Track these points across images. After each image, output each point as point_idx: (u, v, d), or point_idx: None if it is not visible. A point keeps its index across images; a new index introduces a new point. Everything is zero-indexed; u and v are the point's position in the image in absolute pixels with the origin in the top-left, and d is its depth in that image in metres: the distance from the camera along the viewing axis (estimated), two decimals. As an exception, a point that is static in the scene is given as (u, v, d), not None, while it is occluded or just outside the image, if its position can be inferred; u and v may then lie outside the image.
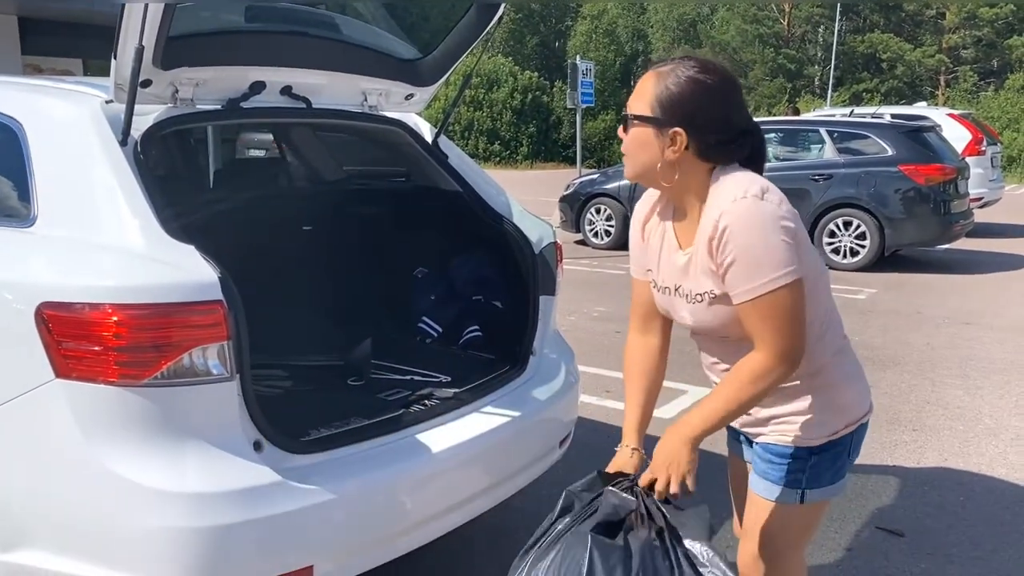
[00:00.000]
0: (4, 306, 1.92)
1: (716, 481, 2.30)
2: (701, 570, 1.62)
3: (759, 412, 1.82)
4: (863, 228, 8.92)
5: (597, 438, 4.10)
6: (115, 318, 1.81)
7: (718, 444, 2.09)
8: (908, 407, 4.72)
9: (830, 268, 8.90)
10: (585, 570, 1.60)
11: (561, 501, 1.76)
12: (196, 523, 1.84)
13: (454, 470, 2.38)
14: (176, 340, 1.85)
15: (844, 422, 1.82)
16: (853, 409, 1.84)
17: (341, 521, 2.05)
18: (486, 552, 2.93)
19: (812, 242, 7.80)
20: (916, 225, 8.91)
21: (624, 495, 1.74)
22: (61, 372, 1.84)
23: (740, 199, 1.61)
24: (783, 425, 1.81)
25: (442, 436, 2.38)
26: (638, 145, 1.70)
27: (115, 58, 1.97)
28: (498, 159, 31.14)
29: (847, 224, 9.00)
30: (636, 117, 1.69)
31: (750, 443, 1.93)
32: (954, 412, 4.64)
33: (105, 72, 2.02)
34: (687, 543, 1.65)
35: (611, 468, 1.79)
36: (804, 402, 1.79)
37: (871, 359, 5.70)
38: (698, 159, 1.68)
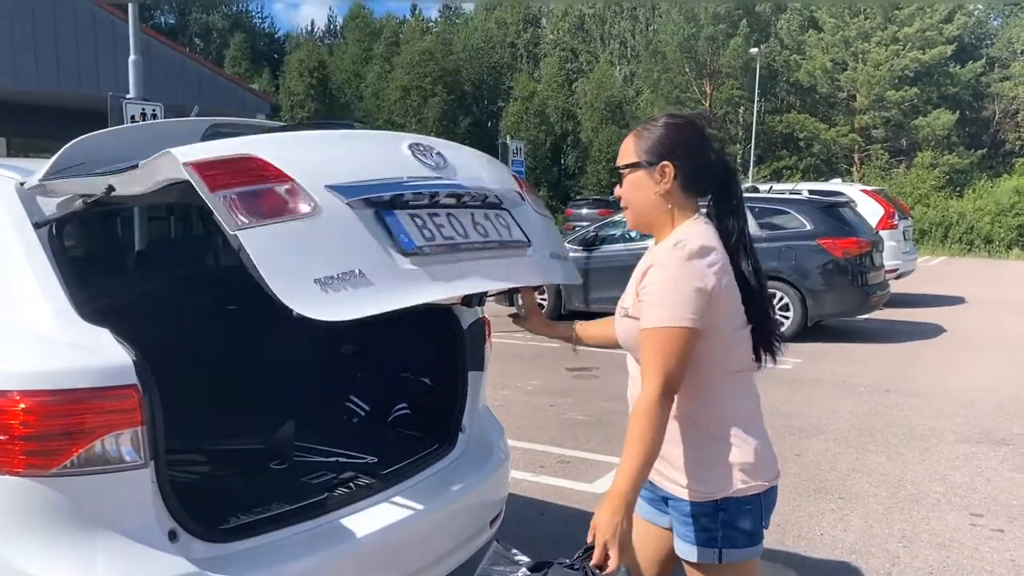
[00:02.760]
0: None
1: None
2: None
3: (668, 464, 1.93)
4: (786, 300, 9.20)
5: (530, 514, 4.06)
6: (23, 405, 1.75)
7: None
8: (834, 475, 4.81)
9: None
10: None
11: None
12: (104, 621, 1.75)
13: (381, 555, 2.32)
14: (88, 427, 1.78)
15: (747, 479, 1.90)
16: (757, 469, 1.91)
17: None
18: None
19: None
20: (836, 296, 9.23)
21: (565, 570, 1.73)
22: (-40, 463, 1.76)
23: (676, 247, 1.86)
24: (687, 478, 1.91)
25: (368, 520, 2.32)
26: (634, 189, 1.98)
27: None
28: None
29: (771, 296, 9.24)
30: (627, 166, 1.98)
31: (666, 504, 2.01)
32: (878, 479, 4.75)
33: (31, 150, 1.99)
34: None
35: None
36: (703, 450, 1.91)
37: (798, 428, 5.81)
38: (683, 193, 1.94)
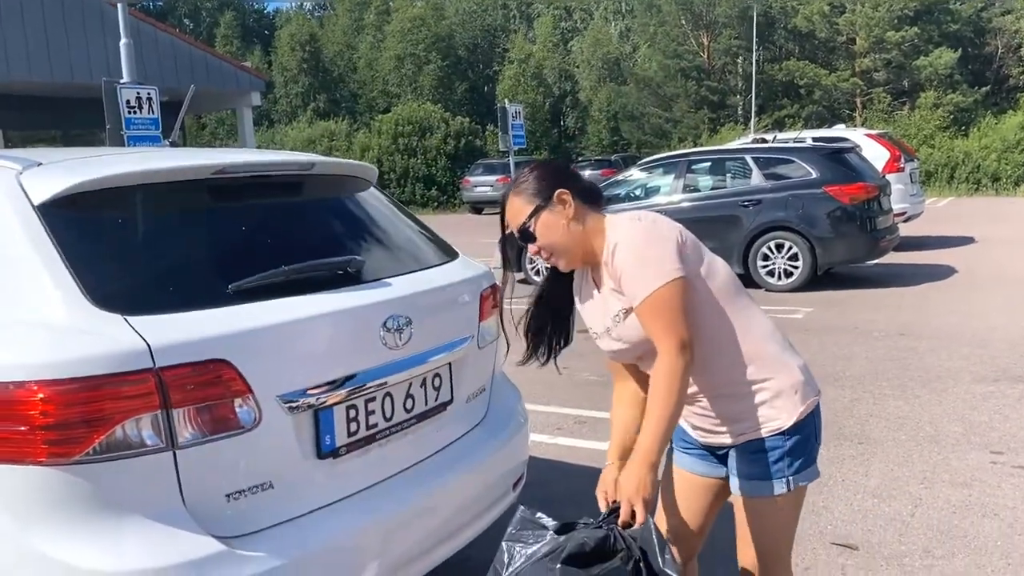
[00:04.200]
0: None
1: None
2: None
3: (728, 421, 2.01)
4: (795, 249, 9.15)
5: (552, 475, 4.08)
6: (40, 395, 1.74)
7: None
8: (852, 421, 4.82)
9: (766, 290, 9.14)
10: None
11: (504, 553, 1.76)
12: (138, 602, 1.76)
13: (406, 522, 2.33)
14: (107, 413, 1.79)
15: (803, 401, 1.99)
16: (805, 389, 2.01)
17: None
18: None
19: (746, 265, 7.97)
20: (845, 243, 9.17)
21: (592, 530, 1.74)
22: (-15, 457, 1.77)
23: (621, 224, 1.95)
24: (749, 421, 1.98)
25: (395, 487, 2.34)
26: (548, 231, 1.97)
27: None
28: (436, 204, 31.25)
29: (779, 247, 9.23)
30: (529, 218, 1.97)
31: (722, 459, 2.09)
32: (896, 423, 4.75)
33: (28, 142, 1.98)
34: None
35: (600, 487, 1.96)
36: (760, 393, 1.97)
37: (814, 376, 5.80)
38: (587, 207, 1.99)
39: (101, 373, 1.78)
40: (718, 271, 1.98)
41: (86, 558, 1.77)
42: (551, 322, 2.12)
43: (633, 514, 1.78)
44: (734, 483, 2.06)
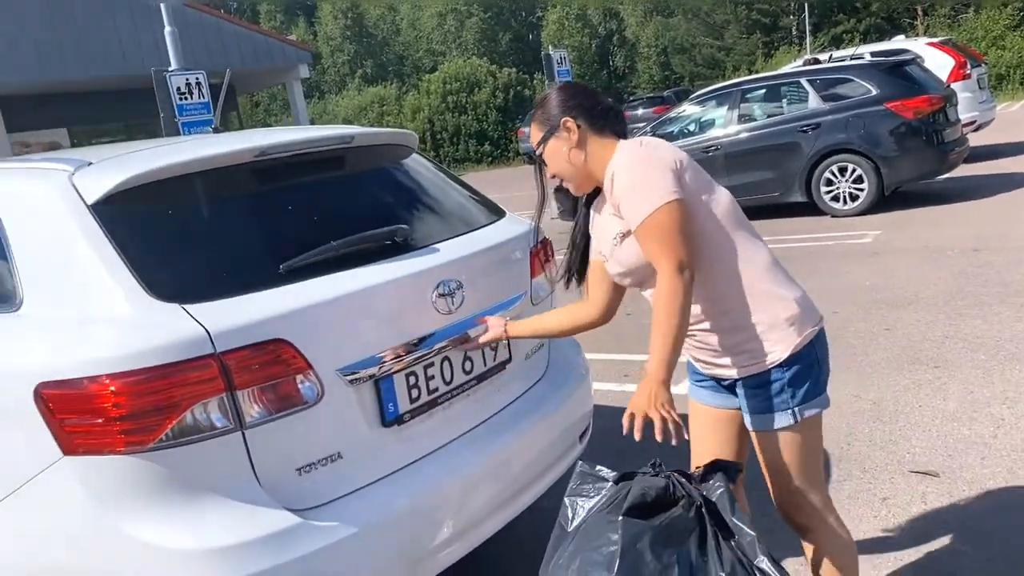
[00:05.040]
0: (3, 394, 1.94)
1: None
2: (739, 540, 1.64)
3: (724, 353, 2.02)
4: (859, 171, 8.86)
5: (620, 423, 4.08)
6: (112, 388, 1.82)
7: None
8: (928, 344, 4.69)
9: (832, 216, 8.89)
10: (620, 549, 1.61)
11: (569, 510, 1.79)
12: (226, 576, 1.85)
13: (477, 481, 2.38)
14: (176, 399, 1.85)
15: (799, 332, 1.98)
16: (802, 320, 1.99)
17: (372, 549, 2.05)
18: (520, 559, 2.93)
19: (809, 192, 7.77)
20: (911, 160, 8.83)
21: (651, 478, 1.75)
22: (67, 449, 1.86)
23: (622, 150, 1.99)
24: (746, 355, 1.99)
25: (462, 448, 2.39)
26: (554, 158, 2.08)
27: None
28: (490, 159, 31.14)
29: (842, 170, 8.94)
30: (539, 143, 2.09)
31: (732, 391, 2.10)
32: (974, 343, 4.61)
33: (92, 137, 2.04)
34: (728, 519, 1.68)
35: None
36: (754, 327, 1.97)
37: (885, 301, 5.66)
38: (596, 134, 2.05)
39: (166, 362, 1.84)
40: (720, 200, 1.99)
41: (172, 539, 1.86)
42: (574, 246, 2.23)
43: (667, 427, 1.78)
44: (745, 418, 2.08)
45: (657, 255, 1.87)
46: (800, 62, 12.43)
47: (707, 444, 2.21)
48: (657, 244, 1.86)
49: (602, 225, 2.10)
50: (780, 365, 1.96)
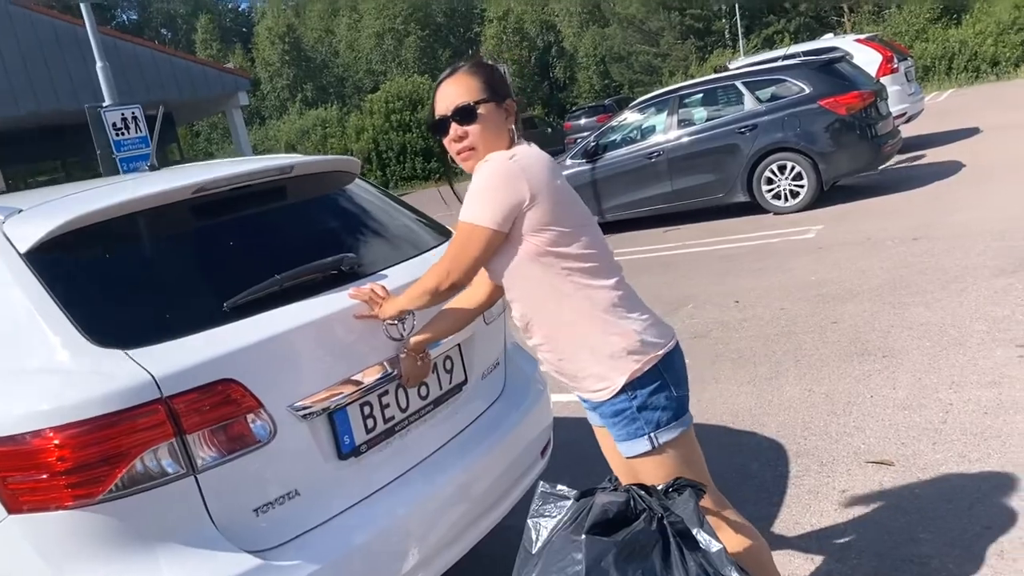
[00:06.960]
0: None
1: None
2: (707, 552, 1.65)
3: (572, 379, 2.06)
4: (798, 169, 9.04)
5: (581, 433, 4.09)
6: (56, 441, 1.76)
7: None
8: (875, 335, 4.79)
9: (775, 214, 9.06)
10: (584, 568, 1.60)
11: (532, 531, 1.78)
12: (185, 626, 1.80)
13: (439, 507, 2.35)
14: (124, 448, 1.80)
15: (640, 359, 1.97)
16: (642, 347, 1.98)
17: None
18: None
19: (751, 192, 7.88)
20: (847, 155, 9.05)
21: (610, 494, 1.75)
22: (12, 508, 1.79)
23: (500, 157, 1.95)
24: (589, 378, 2.01)
25: (422, 475, 2.36)
26: (488, 124, 2.01)
27: None
28: (438, 176, 31.07)
29: (782, 168, 9.12)
30: (480, 101, 1.99)
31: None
32: (919, 330, 4.72)
33: (28, 176, 1.98)
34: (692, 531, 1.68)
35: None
36: (592, 355, 1.98)
37: (830, 295, 5.77)
38: (507, 126, 2.06)
39: (111, 411, 1.79)
40: (578, 239, 1.97)
41: (127, 591, 1.81)
42: None
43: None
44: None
45: (447, 257, 2.02)
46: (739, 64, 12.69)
47: (612, 458, 2.23)
48: (452, 247, 2.01)
49: None
50: (622, 392, 1.97)
